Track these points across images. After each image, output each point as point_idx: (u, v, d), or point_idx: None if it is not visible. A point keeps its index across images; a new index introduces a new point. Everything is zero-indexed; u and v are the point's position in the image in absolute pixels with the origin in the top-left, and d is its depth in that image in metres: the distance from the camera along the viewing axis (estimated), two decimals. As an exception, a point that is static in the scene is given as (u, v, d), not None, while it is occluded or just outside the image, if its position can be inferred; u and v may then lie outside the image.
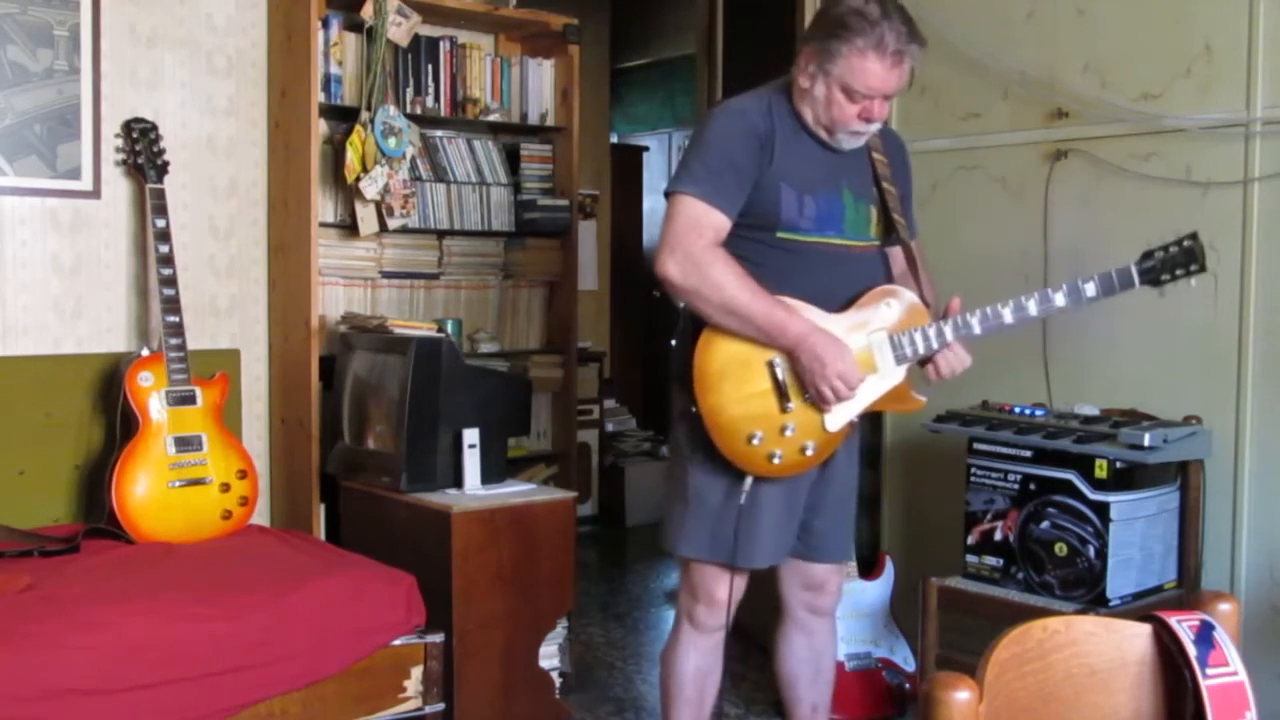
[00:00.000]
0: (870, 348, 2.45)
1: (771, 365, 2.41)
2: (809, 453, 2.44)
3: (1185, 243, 2.45)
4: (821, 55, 2.37)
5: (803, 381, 2.40)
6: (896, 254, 2.62)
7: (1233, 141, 3.03)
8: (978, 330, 2.44)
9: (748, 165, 2.42)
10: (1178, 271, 2.45)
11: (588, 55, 5.16)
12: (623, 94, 8.41)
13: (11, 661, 2.44)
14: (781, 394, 2.41)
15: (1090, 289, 2.43)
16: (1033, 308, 2.43)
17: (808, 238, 2.46)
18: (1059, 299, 2.43)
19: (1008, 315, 2.43)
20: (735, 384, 2.41)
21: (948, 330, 2.44)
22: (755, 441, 2.41)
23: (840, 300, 2.47)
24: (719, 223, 2.39)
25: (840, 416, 2.45)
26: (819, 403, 2.41)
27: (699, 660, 2.65)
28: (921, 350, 2.45)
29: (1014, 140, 3.49)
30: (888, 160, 2.57)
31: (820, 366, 2.35)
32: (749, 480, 2.45)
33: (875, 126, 2.45)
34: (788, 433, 2.42)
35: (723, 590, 2.56)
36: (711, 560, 2.54)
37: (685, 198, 2.40)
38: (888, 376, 2.46)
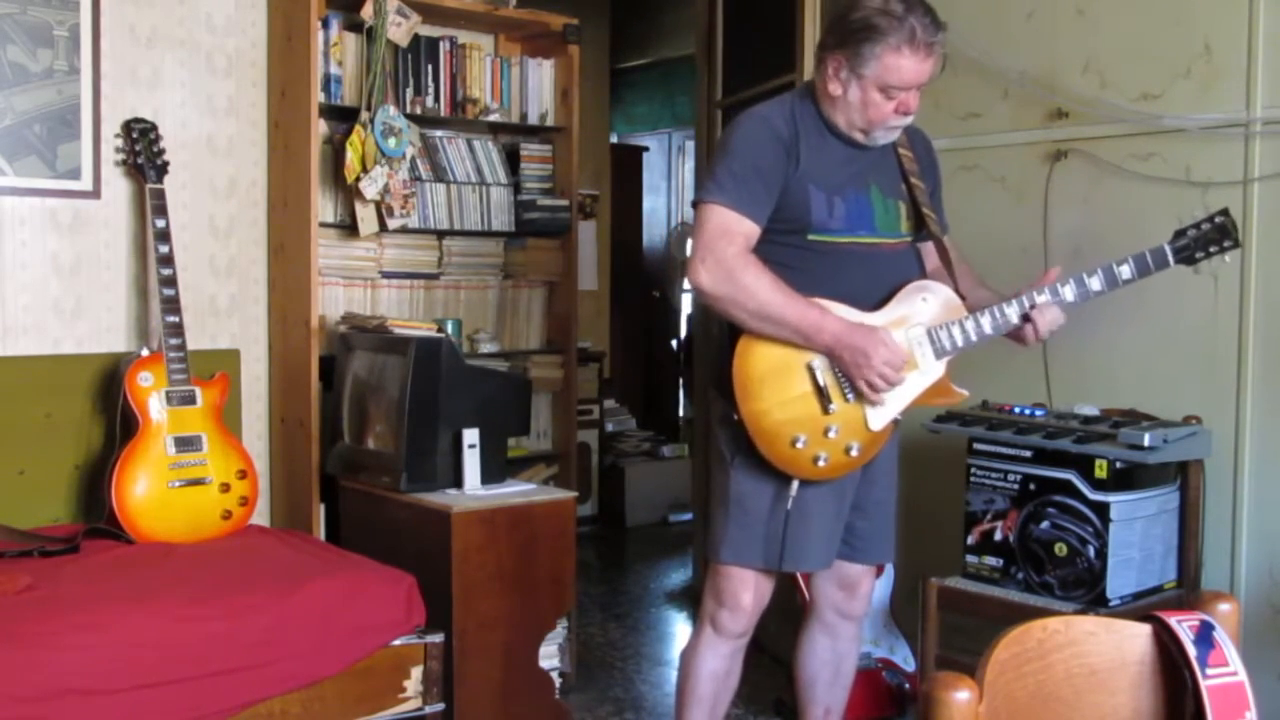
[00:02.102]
0: (909, 343, 2.45)
1: (811, 368, 2.41)
2: (854, 453, 2.44)
3: (1217, 219, 2.48)
4: (852, 60, 2.39)
5: (848, 378, 2.40)
6: (930, 250, 2.63)
7: (1232, 141, 3.02)
8: (1015, 319, 2.47)
9: (774, 171, 2.42)
10: (1211, 249, 2.49)
11: (588, 55, 5.16)
12: (623, 94, 8.41)
13: (11, 661, 2.44)
14: (823, 396, 2.41)
15: (1125, 271, 2.47)
16: (1069, 294, 2.47)
17: (840, 238, 2.47)
18: (1094, 283, 2.47)
19: (1043, 301, 2.46)
20: (776, 389, 2.40)
21: (985, 322, 2.46)
22: (799, 445, 2.41)
23: (876, 298, 2.48)
24: (748, 229, 2.40)
25: (883, 414, 2.45)
26: (869, 395, 2.40)
27: (716, 664, 2.64)
28: (960, 344, 2.47)
29: (1014, 140, 3.48)
30: (914, 156, 2.58)
31: (865, 358, 2.36)
32: (795, 484, 2.45)
33: (910, 119, 2.47)
34: (831, 434, 2.42)
35: (748, 595, 2.56)
36: (764, 567, 2.53)
37: (714, 206, 2.40)
38: (928, 371, 2.47)
